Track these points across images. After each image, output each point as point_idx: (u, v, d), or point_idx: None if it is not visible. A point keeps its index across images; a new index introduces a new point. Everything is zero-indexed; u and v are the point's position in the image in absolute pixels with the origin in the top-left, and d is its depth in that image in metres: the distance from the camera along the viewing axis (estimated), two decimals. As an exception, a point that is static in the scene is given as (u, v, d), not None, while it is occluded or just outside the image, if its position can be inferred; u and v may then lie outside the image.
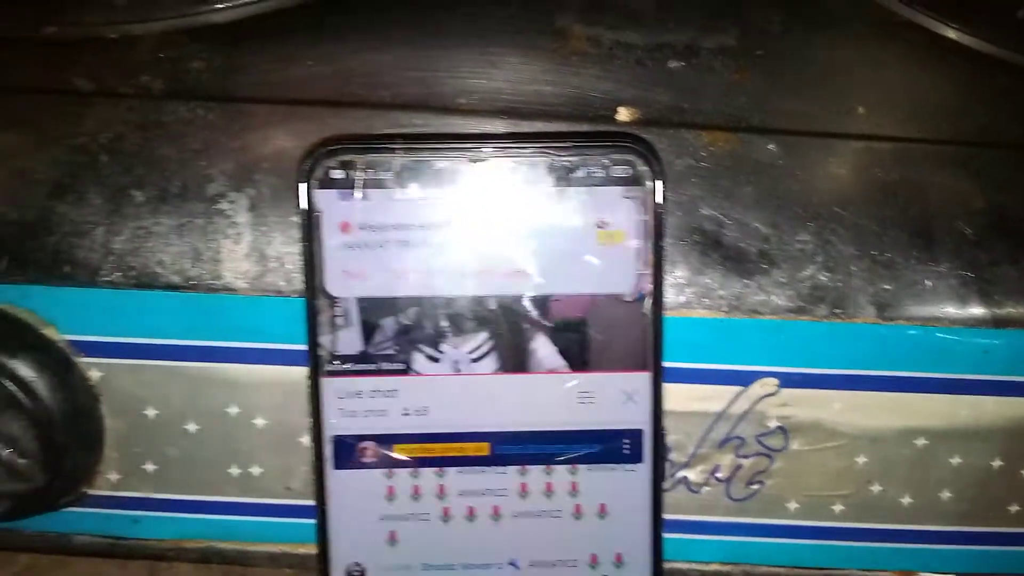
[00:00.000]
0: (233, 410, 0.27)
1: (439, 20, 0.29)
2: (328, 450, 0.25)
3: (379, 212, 0.24)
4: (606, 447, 0.25)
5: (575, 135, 0.26)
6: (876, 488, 0.27)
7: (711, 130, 0.27)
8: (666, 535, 0.27)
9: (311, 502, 0.26)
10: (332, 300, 0.24)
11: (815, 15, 0.31)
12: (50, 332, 0.26)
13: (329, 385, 0.25)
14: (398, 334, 0.25)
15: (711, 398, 0.26)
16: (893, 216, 0.26)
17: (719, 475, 0.27)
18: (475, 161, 0.24)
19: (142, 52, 0.28)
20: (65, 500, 0.28)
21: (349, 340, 0.25)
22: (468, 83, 0.28)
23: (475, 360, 0.25)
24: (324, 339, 0.25)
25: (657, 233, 0.24)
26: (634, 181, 0.24)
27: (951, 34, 0.31)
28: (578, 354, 0.25)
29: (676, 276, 0.25)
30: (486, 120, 0.27)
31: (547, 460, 0.25)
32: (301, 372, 0.26)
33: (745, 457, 0.27)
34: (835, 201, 0.26)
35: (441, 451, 0.25)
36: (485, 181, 0.24)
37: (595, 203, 0.24)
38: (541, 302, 0.25)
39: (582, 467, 0.25)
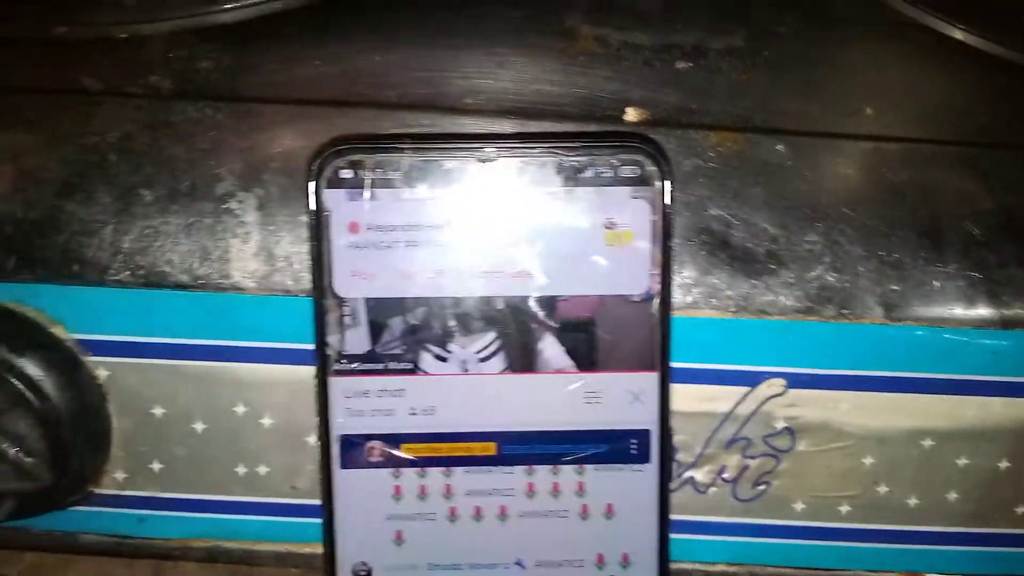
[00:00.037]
0: (240, 409, 0.27)
1: (446, 20, 0.29)
2: (335, 449, 0.25)
3: (387, 212, 0.24)
4: (613, 447, 0.25)
5: (583, 135, 0.26)
6: (883, 489, 0.27)
7: (719, 131, 0.27)
8: (672, 535, 0.26)
9: (317, 501, 0.26)
10: (340, 300, 0.24)
11: (822, 16, 0.31)
12: (58, 331, 0.26)
13: (336, 384, 0.25)
14: (405, 334, 0.25)
15: (718, 398, 0.26)
16: (901, 217, 0.26)
17: (726, 475, 0.27)
18: (483, 161, 0.24)
19: (151, 52, 0.28)
20: (72, 499, 0.28)
21: (357, 339, 0.25)
22: (475, 83, 0.28)
23: (482, 360, 0.25)
24: (332, 338, 0.25)
25: (665, 233, 0.24)
26: (642, 181, 0.24)
27: (958, 35, 0.31)
28: (585, 354, 0.25)
29: (684, 276, 0.25)
30: (493, 120, 0.27)
31: (554, 460, 0.25)
32: (308, 371, 0.26)
33: (752, 458, 0.27)
34: (843, 202, 0.26)
35: (448, 451, 0.25)
36: (493, 181, 0.24)
37: (603, 203, 0.24)
38: (548, 302, 0.25)
39: (589, 467, 0.25)
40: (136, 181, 0.26)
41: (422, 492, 0.25)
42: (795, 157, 0.26)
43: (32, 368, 0.26)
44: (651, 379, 0.25)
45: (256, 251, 0.26)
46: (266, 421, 0.27)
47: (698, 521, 0.28)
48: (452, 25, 0.29)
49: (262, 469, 0.27)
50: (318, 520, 0.26)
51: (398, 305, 0.25)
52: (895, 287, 0.25)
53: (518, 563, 0.26)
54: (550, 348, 0.25)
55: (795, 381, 0.26)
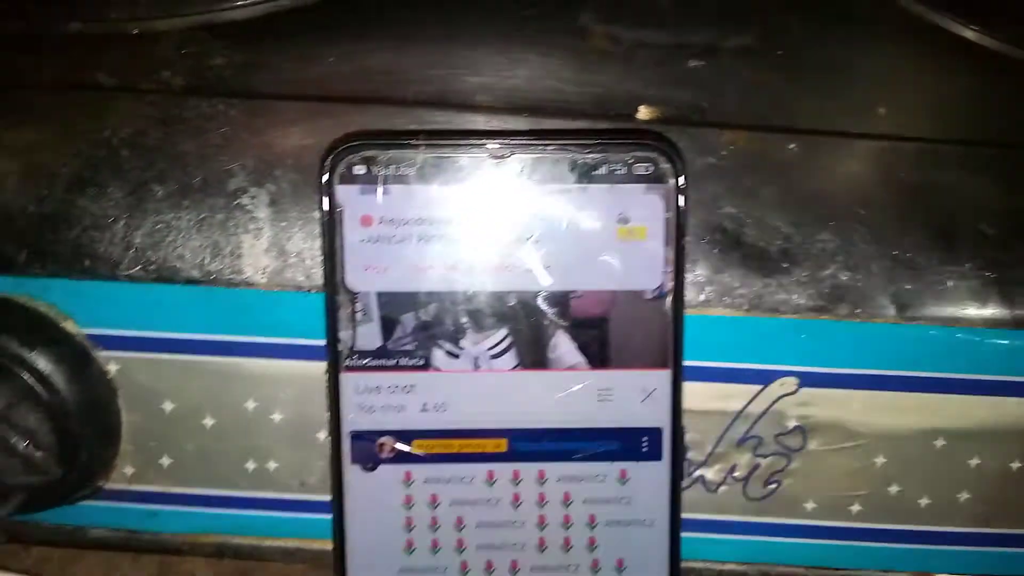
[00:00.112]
0: (251, 405, 0.27)
1: (458, 18, 0.29)
2: (346, 445, 0.25)
3: (400, 208, 0.24)
4: (625, 445, 0.25)
5: (597, 132, 0.25)
6: (894, 489, 0.27)
7: (731, 129, 0.27)
8: (682, 534, 0.26)
9: (326, 497, 0.26)
10: (352, 295, 0.24)
11: (835, 17, 0.31)
12: (68, 325, 0.26)
13: (348, 380, 0.25)
14: (417, 330, 0.25)
15: (730, 397, 0.26)
16: (914, 216, 0.26)
17: (736, 474, 0.27)
18: (497, 157, 0.24)
19: (163, 48, 0.28)
20: (81, 493, 0.28)
21: (368, 335, 0.25)
22: (488, 81, 0.28)
23: (494, 356, 0.25)
24: (343, 334, 0.25)
25: (679, 230, 0.24)
26: (656, 178, 0.24)
27: (970, 35, 0.31)
28: (598, 351, 0.25)
29: (696, 274, 0.25)
30: (506, 118, 0.27)
31: (565, 457, 0.25)
32: (319, 367, 0.26)
33: (763, 456, 0.27)
34: (856, 200, 0.26)
35: (459, 447, 0.25)
36: (506, 177, 0.24)
37: (616, 200, 0.24)
38: (561, 298, 0.25)
39: (600, 467, 0.25)
40: (148, 176, 0.26)
41: (433, 501, 0.25)
42: (808, 156, 0.26)
43: (42, 362, 0.25)
44: (663, 377, 0.25)
45: (268, 247, 0.26)
46: (276, 417, 0.27)
47: (708, 520, 0.28)
48: (464, 23, 0.29)
49: (272, 465, 0.27)
50: (327, 516, 0.26)
51: (410, 301, 0.25)
52: (908, 286, 0.25)
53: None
54: (562, 345, 0.25)
55: (807, 380, 0.26)
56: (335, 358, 0.25)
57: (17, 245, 0.26)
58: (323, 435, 0.27)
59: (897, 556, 0.28)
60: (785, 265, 0.25)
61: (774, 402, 0.26)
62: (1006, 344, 0.25)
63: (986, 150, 0.27)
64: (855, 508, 0.27)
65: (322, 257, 0.25)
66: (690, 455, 0.27)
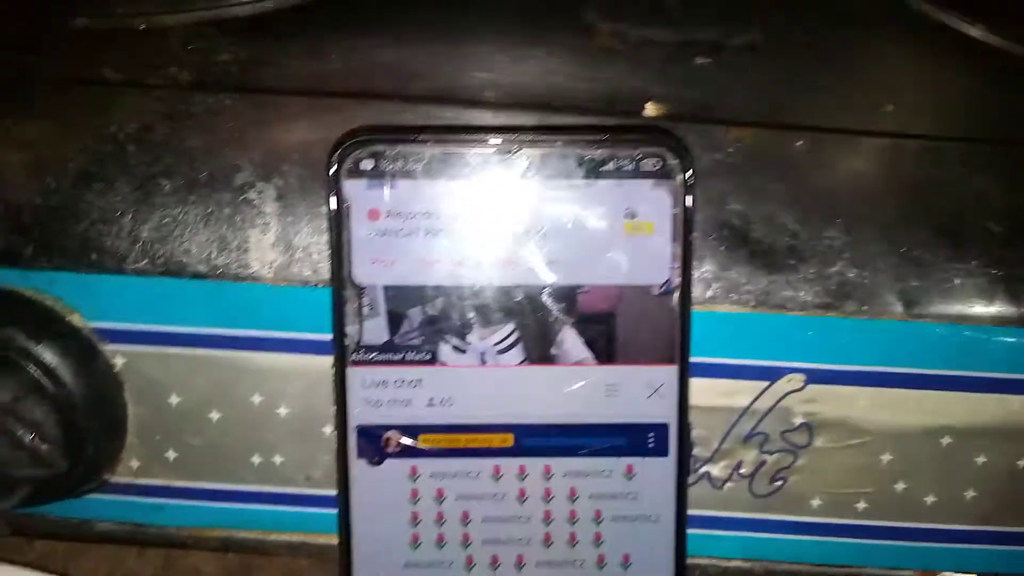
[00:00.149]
0: (257, 399, 0.27)
1: (465, 14, 0.29)
2: (352, 440, 0.25)
3: (407, 202, 0.24)
4: (631, 440, 0.25)
5: (605, 128, 0.25)
6: (900, 486, 0.27)
7: (739, 126, 0.27)
8: (687, 530, 0.26)
9: (332, 492, 0.26)
10: (359, 289, 0.24)
11: (841, 15, 0.31)
12: (75, 319, 0.26)
13: (354, 375, 0.25)
14: (424, 324, 0.25)
15: (736, 393, 0.26)
16: (921, 213, 0.26)
17: (742, 471, 0.27)
18: (504, 152, 0.24)
19: (171, 44, 0.28)
20: (86, 487, 0.28)
21: (375, 330, 0.25)
22: (494, 78, 0.28)
23: (501, 352, 0.25)
24: (350, 328, 0.25)
25: (686, 226, 0.24)
26: (664, 174, 0.24)
27: (976, 33, 0.31)
28: (605, 347, 0.25)
29: (703, 270, 0.25)
30: (513, 114, 0.27)
31: (571, 452, 0.25)
32: (326, 362, 0.26)
33: (769, 453, 0.27)
34: (863, 197, 0.26)
35: (465, 442, 0.25)
36: (513, 172, 0.24)
37: (624, 195, 0.24)
38: (568, 293, 0.25)
39: (606, 462, 0.25)
40: (155, 171, 0.26)
41: (439, 496, 0.25)
42: (815, 153, 0.26)
43: (49, 355, 0.25)
44: (670, 372, 0.25)
45: (275, 241, 0.26)
46: (282, 411, 0.27)
47: (714, 516, 0.28)
48: (470, 19, 0.29)
49: (277, 459, 0.27)
50: (333, 511, 0.26)
51: (417, 295, 0.25)
52: (915, 283, 0.25)
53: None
54: (569, 340, 0.25)
55: (814, 376, 0.26)
56: (342, 352, 0.25)
57: (24, 238, 0.26)
58: (329, 429, 0.27)
59: (902, 554, 0.28)
60: (792, 262, 0.25)
61: (780, 399, 0.26)
62: (1013, 342, 0.25)
63: (993, 148, 0.27)
64: (861, 505, 0.27)
65: (329, 251, 0.25)
66: (696, 451, 0.27)
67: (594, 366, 0.25)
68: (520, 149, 0.24)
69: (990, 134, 0.28)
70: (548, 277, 0.25)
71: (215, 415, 0.27)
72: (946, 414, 0.26)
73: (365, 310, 0.25)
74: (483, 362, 0.25)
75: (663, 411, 0.25)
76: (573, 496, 0.25)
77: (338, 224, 0.24)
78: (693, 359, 0.25)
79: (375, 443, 0.25)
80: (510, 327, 0.25)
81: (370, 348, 0.25)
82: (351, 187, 0.24)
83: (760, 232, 0.26)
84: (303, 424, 0.27)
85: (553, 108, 0.27)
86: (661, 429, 0.25)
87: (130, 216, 0.26)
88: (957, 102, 0.29)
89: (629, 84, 0.28)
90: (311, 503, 0.28)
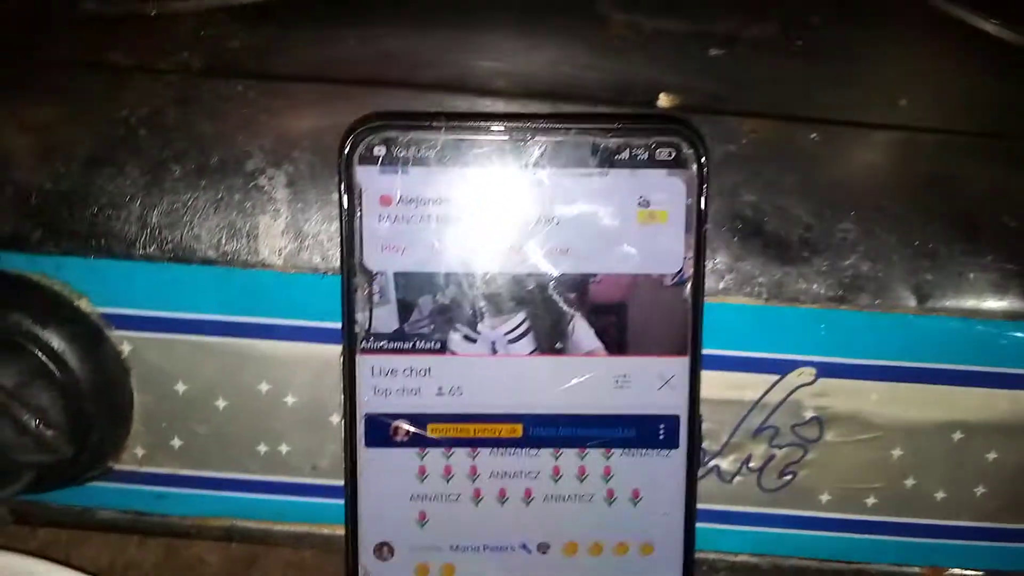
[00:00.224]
0: (264, 387, 0.26)
1: (477, 3, 0.29)
2: (360, 428, 0.25)
3: (419, 189, 0.24)
4: (641, 432, 0.25)
5: (620, 116, 0.25)
6: (910, 482, 0.27)
7: (753, 118, 0.26)
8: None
9: (338, 482, 0.26)
10: (370, 276, 0.24)
11: (855, 9, 0.31)
12: (82, 304, 0.26)
13: (363, 363, 0.25)
14: (434, 313, 0.24)
15: (747, 386, 0.26)
16: (936, 207, 0.26)
17: (751, 465, 0.27)
18: (517, 140, 0.24)
19: (182, 30, 0.28)
20: (91, 474, 0.27)
21: (385, 318, 0.24)
22: (506, 67, 0.28)
23: (512, 341, 0.25)
24: (360, 316, 0.24)
25: (700, 217, 0.24)
26: (678, 163, 0.24)
27: (990, 28, 0.30)
28: (616, 337, 0.25)
29: (716, 262, 0.25)
30: (525, 102, 0.26)
31: (581, 443, 0.25)
32: (334, 350, 0.25)
33: (779, 447, 0.27)
34: (878, 191, 0.26)
35: (474, 432, 0.25)
36: (527, 160, 0.24)
37: (638, 184, 0.24)
38: (580, 283, 0.24)
39: (616, 451, 0.25)
40: (165, 156, 0.26)
41: (447, 473, 0.25)
42: (829, 145, 0.26)
43: (56, 340, 0.25)
44: (682, 364, 0.25)
45: (285, 228, 0.25)
46: (289, 400, 0.26)
47: (722, 510, 0.27)
48: (483, 8, 0.29)
49: (283, 448, 0.27)
50: (338, 501, 0.26)
51: (427, 283, 0.24)
52: (929, 277, 0.25)
53: (541, 547, 0.26)
54: (580, 330, 0.25)
55: (825, 370, 0.26)
56: (351, 340, 0.25)
57: (33, 223, 0.25)
58: (336, 419, 0.27)
59: (911, 550, 0.28)
60: (805, 254, 0.25)
61: (791, 392, 0.26)
62: (1026, 337, 0.25)
63: (1008, 142, 0.27)
64: (870, 501, 0.27)
65: (340, 237, 0.24)
66: (705, 445, 0.27)
67: (605, 357, 0.25)
68: (533, 137, 0.24)
69: (1004, 128, 0.27)
70: (560, 266, 0.24)
71: (222, 403, 0.27)
72: (958, 409, 0.26)
73: (375, 297, 0.24)
74: (494, 352, 0.25)
75: (674, 403, 0.25)
76: (582, 475, 0.25)
77: (350, 210, 0.24)
78: (704, 351, 0.25)
79: (383, 431, 0.25)
80: (521, 316, 0.25)
81: (380, 336, 0.25)
82: (363, 173, 0.24)
83: (773, 224, 0.25)
84: (310, 413, 0.27)
85: (565, 98, 0.27)
86: (672, 421, 0.25)
87: (139, 201, 0.25)
88: (971, 96, 0.29)
89: (642, 75, 0.28)
90: (317, 493, 0.28)
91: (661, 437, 0.25)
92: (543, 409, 0.25)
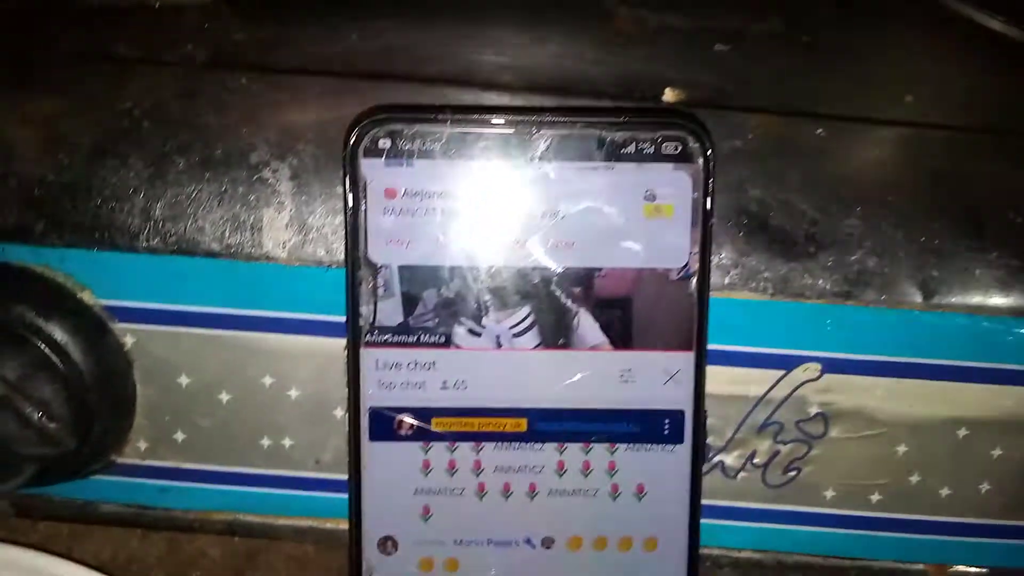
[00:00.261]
0: (267, 381, 0.26)
1: (483, -3, 0.29)
2: (364, 422, 0.25)
3: (424, 182, 0.24)
4: (646, 427, 0.25)
5: (626, 110, 0.25)
6: (915, 478, 0.27)
7: (758, 113, 0.26)
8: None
9: (341, 476, 0.26)
10: (374, 269, 0.24)
11: (860, 4, 0.30)
12: (85, 296, 0.26)
13: (368, 356, 0.25)
14: (439, 306, 0.24)
15: (752, 382, 0.26)
16: (942, 203, 0.26)
17: (756, 461, 0.27)
18: (523, 133, 0.24)
19: (186, 22, 0.28)
20: (93, 467, 0.27)
21: (389, 311, 0.24)
22: (511, 61, 0.27)
23: (516, 335, 0.25)
24: (364, 309, 0.24)
25: (706, 211, 0.24)
26: (684, 157, 0.24)
27: (995, 26, 0.30)
28: (621, 331, 0.24)
29: (721, 257, 0.25)
30: (530, 97, 0.26)
31: (585, 438, 0.25)
32: (338, 344, 0.25)
33: (783, 443, 0.27)
34: (884, 186, 0.26)
35: (478, 426, 0.25)
36: (533, 153, 0.24)
37: (644, 178, 0.24)
38: (585, 277, 0.24)
39: (621, 446, 0.25)
40: (169, 148, 0.26)
41: (451, 467, 0.25)
42: (835, 141, 0.26)
43: (59, 332, 0.25)
44: (687, 359, 0.25)
45: (289, 221, 0.25)
46: (293, 393, 0.26)
47: (726, 506, 0.27)
48: (489, 2, 0.29)
49: (287, 442, 0.27)
50: (341, 495, 0.26)
51: (432, 276, 0.24)
52: (935, 273, 0.25)
53: (545, 541, 0.26)
54: (585, 324, 0.24)
55: (830, 366, 0.26)
56: (355, 333, 0.24)
57: (36, 215, 0.25)
58: (339, 412, 0.26)
59: (916, 547, 0.28)
60: (811, 250, 0.25)
61: (796, 388, 0.26)
62: (1032, 334, 0.25)
63: (1014, 139, 0.27)
64: (875, 497, 0.27)
65: (344, 230, 0.24)
66: (709, 440, 0.26)
67: (610, 351, 0.25)
68: (539, 130, 0.24)
69: (1010, 125, 0.27)
70: (565, 260, 0.24)
71: (225, 396, 0.27)
72: (963, 406, 0.26)
73: (380, 291, 0.24)
74: (498, 345, 0.25)
75: (679, 398, 0.25)
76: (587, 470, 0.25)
77: (354, 203, 0.24)
78: (708, 346, 0.25)
79: (387, 425, 0.25)
80: (526, 310, 0.25)
81: (384, 329, 0.24)
82: (368, 166, 0.24)
83: (779, 219, 0.25)
84: (314, 407, 0.27)
85: (570, 93, 0.27)
86: (676, 416, 0.25)
87: (143, 194, 0.25)
88: (977, 93, 0.29)
89: (648, 70, 0.27)
90: (320, 487, 0.27)
91: (666, 432, 0.25)
92: (548, 403, 0.25)
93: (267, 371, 0.26)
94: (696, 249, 0.24)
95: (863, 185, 0.26)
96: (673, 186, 0.24)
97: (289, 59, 0.27)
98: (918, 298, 0.25)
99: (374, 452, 0.25)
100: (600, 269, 0.24)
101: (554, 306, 0.24)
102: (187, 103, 0.26)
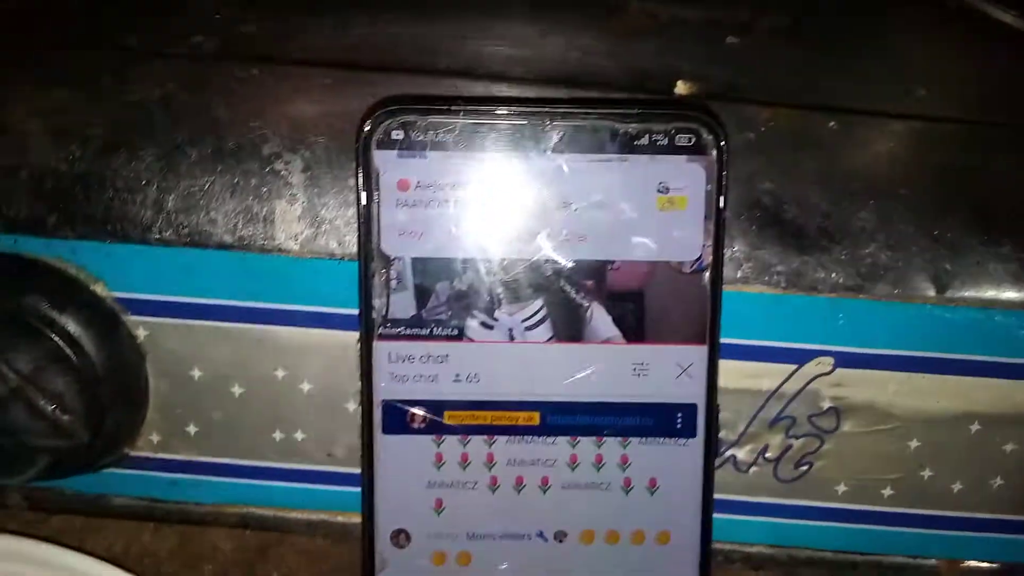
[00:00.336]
0: (280, 374, 0.26)
1: (494, -10, 0.29)
2: (377, 415, 0.25)
3: (437, 174, 0.24)
4: (659, 420, 0.25)
5: (639, 102, 0.25)
6: (927, 473, 0.27)
7: (770, 106, 0.26)
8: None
9: (353, 469, 0.26)
10: (387, 261, 0.24)
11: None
12: (98, 288, 0.26)
13: (381, 349, 0.25)
14: (452, 299, 0.24)
15: (764, 376, 0.26)
16: (955, 197, 0.26)
17: (768, 455, 0.27)
18: (536, 125, 0.24)
19: (196, 13, 0.28)
20: (106, 460, 0.27)
21: (402, 304, 0.24)
22: (522, 53, 0.27)
23: (529, 328, 0.25)
24: (377, 301, 0.24)
25: (720, 203, 0.24)
26: (697, 150, 0.24)
27: (1008, 19, 0.30)
28: (633, 324, 0.24)
29: (734, 250, 0.25)
30: (541, 89, 0.26)
31: (598, 431, 0.25)
32: (350, 337, 0.25)
33: (795, 437, 0.26)
34: (896, 180, 0.26)
35: (491, 419, 0.25)
36: (546, 145, 0.24)
37: (657, 170, 0.24)
38: (598, 269, 0.24)
39: (633, 440, 0.25)
40: (181, 140, 0.26)
41: (463, 460, 0.25)
42: (847, 134, 0.26)
43: (72, 325, 0.25)
44: (700, 352, 0.25)
45: (301, 213, 0.25)
46: (305, 386, 0.26)
47: (737, 501, 0.27)
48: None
49: (299, 435, 0.27)
50: (353, 488, 0.26)
51: (445, 269, 0.24)
52: (948, 267, 0.25)
53: (558, 535, 0.26)
54: (598, 317, 0.24)
55: (843, 360, 0.26)
56: (368, 326, 0.24)
57: (48, 207, 0.25)
58: (352, 406, 0.26)
59: (928, 542, 0.28)
60: (824, 243, 0.25)
61: (809, 382, 0.26)
62: (1045, 328, 0.25)
63: (1026, 133, 0.27)
64: (887, 492, 0.27)
65: (357, 222, 0.24)
66: (721, 435, 0.26)
67: (623, 344, 0.25)
68: (552, 122, 0.24)
69: (1022, 119, 0.27)
70: (578, 253, 0.24)
71: (237, 389, 0.27)
72: (975, 400, 0.26)
73: (392, 283, 0.24)
74: (511, 338, 0.25)
75: (692, 392, 0.25)
76: (599, 463, 0.25)
77: (367, 195, 0.24)
78: (721, 340, 0.25)
79: (400, 418, 0.25)
80: (538, 303, 0.24)
81: (397, 322, 0.24)
82: (381, 157, 0.24)
83: (792, 212, 0.25)
84: (326, 400, 0.27)
85: (582, 85, 0.27)
86: (689, 410, 0.25)
87: (155, 186, 0.25)
88: (989, 87, 0.29)
89: (659, 62, 0.27)
90: (332, 480, 0.28)
91: (679, 426, 0.25)
92: (560, 397, 0.25)
93: (279, 364, 0.26)
94: (709, 242, 0.24)
95: (876, 179, 0.26)
96: (686, 178, 0.24)
97: (299, 51, 0.27)
98: (931, 292, 0.25)
99: (387, 445, 0.25)
100: (613, 262, 0.24)
101: (567, 299, 0.24)
102: (197, 95, 0.26)
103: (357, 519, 0.26)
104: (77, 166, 0.25)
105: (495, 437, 0.25)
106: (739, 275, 0.25)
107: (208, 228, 0.25)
